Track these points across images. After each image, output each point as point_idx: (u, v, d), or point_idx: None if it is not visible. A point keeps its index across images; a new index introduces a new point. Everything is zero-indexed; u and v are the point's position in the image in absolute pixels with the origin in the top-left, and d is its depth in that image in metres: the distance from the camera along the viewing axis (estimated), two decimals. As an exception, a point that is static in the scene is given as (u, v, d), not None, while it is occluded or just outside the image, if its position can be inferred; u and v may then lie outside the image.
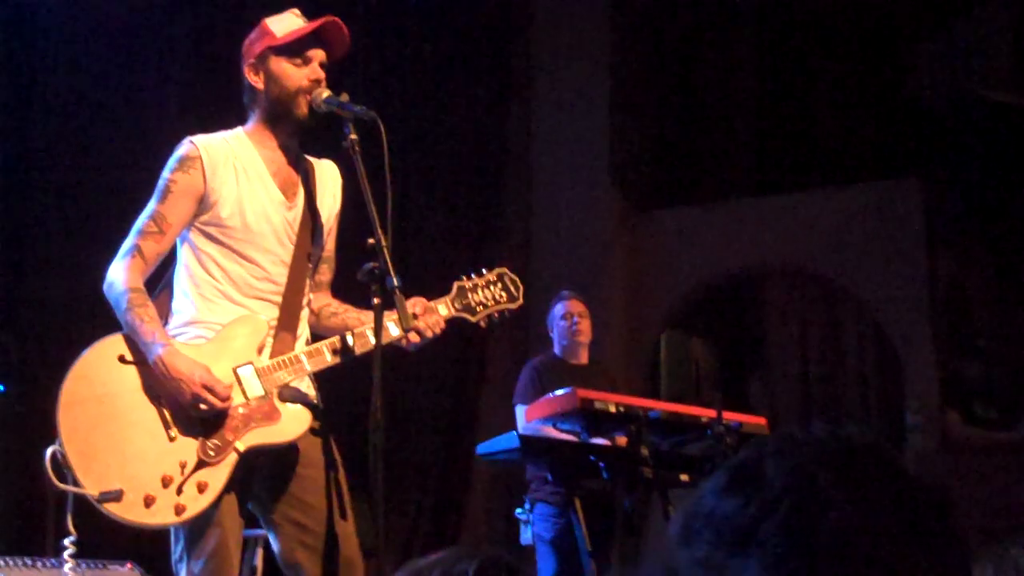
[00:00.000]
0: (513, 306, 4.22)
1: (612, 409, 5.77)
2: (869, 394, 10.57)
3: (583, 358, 7.31)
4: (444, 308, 4.04)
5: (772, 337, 11.26)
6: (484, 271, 4.20)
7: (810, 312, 11.05)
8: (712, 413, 5.80)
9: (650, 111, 11.59)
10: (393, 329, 3.83)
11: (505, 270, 4.24)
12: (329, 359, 3.87)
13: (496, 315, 4.19)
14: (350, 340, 3.88)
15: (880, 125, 10.68)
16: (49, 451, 3.62)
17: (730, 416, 5.85)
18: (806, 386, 10.85)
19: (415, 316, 3.88)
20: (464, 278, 4.14)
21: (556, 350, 7.34)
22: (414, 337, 3.91)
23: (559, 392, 5.96)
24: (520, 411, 6.84)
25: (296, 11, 4.01)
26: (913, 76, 10.39)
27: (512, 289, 4.22)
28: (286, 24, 3.95)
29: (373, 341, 3.72)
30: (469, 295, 4.12)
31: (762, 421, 6.24)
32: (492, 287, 4.18)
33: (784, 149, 11.24)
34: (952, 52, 10.19)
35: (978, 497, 8.78)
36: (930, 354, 9.86)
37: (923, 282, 9.97)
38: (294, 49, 3.91)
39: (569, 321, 7.27)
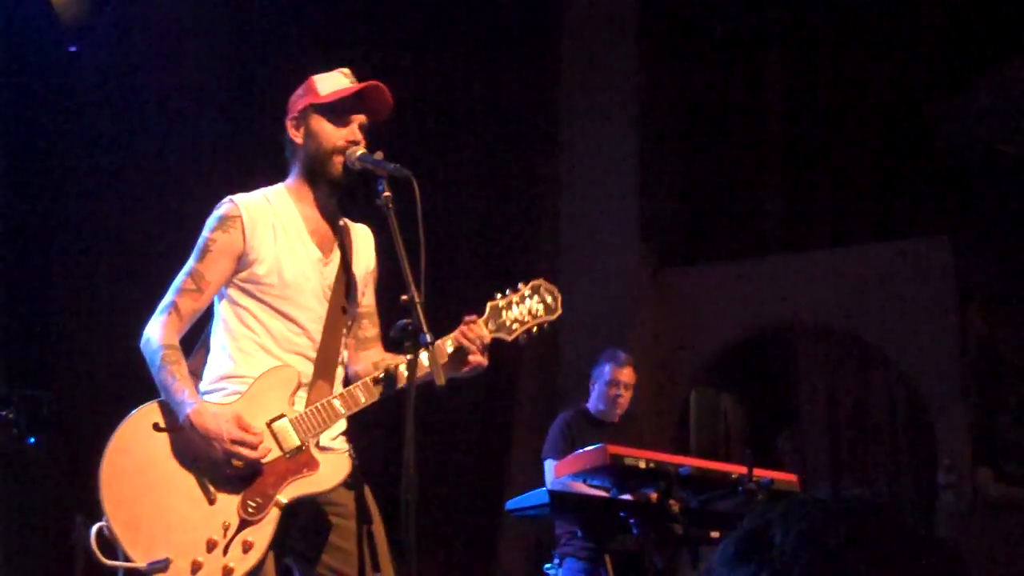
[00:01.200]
0: (552, 318, 4.14)
1: (642, 465, 5.75)
2: (900, 452, 10.50)
3: (615, 418, 7.30)
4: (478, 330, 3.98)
5: (802, 394, 11.21)
6: (520, 286, 4.11)
7: (840, 369, 11.00)
8: (742, 470, 5.77)
9: (679, 167, 11.61)
10: (427, 362, 3.78)
11: (542, 281, 4.16)
12: (363, 400, 3.87)
13: (535, 330, 4.10)
14: (382, 379, 3.87)
15: (910, 183, 10.67)
16: (95, 528, 3.64)
17: (761, 473, 5.82)
18: (836, 444, 10.78)
19: (466, 338, 3.87)
20: (498, 296, 4.06)
21: (590, 405, 7.33)
22: (474, 358, 3.90)
23: (589, 448, 5.95)
24: (549, 465, 6.84)
25: (346, 71, 4.03)
26: (943, 133, 10.38)
27: (549, 300, 4.13)
28: (332, 83, 3.98)
29: (407, 374, 3.71)
30: (503, 314, 4.03)
31: (793, 478, 6.19)
32: (529, 300, 4.09)
33: (814, 206, 11.24)
34: (981, 109, 10.19)
35: (1011, 555, 8.70)
36: (961, 412, 9.80)
37: (954, 340, 9.92)
38: (336, 109, 3.94)
39: (614, 390, 7.24)
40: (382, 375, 3.86)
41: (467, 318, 3.95)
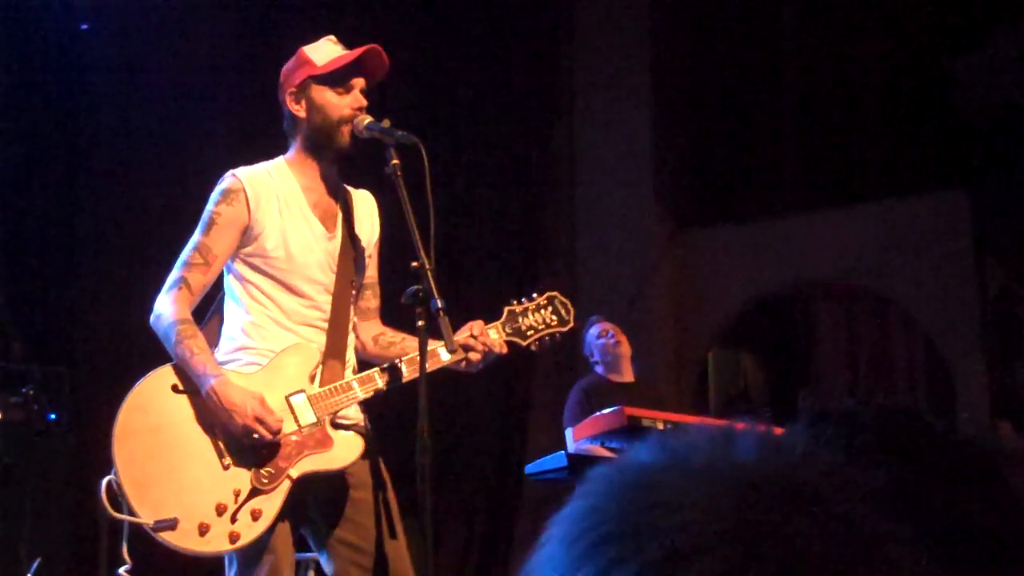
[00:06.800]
0: (564, 329, 4.21)
1: (660, 426, 5.76)
2: (920, 406, 10.49)
3: (629, 375, 7.32)
4: (494, 333, 4.04)
5: (821, 352, 11.20)
6: (535, 295, 4.19)
7: (859, 326, 10.99)
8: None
9: (693, 128, 11.57)
10: (444, 354, 3.84)
11: (556, 294, 4.23)
12: (380, 384, 3.89)
13: (547, 338, 4.17)
14: (401, 366, 3.90)
15: (926, 137, 10.61)
16: (104, 481, 3.67)
17: (780, 432, 5.82)
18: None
19: (474, 337, 3.91)
20: (514, 302, 4.14)
21: (600, 370, 7.35)
22: (474, 356, 3.93)
23: (607, 411, 5.96)
24: (569, 433, 6.85)
25: (333, 38, 4.04)
26: (959, 87, 10.32)
27: (563, 312, 4.21)
28: (325, 52, 3.98)
29: (419, 344, 3.75)
30: (519, 319, 4.12)
31: (812, 436, 6.19)
32: (543, 311, 4.17)
33: (829, 163, 11.19)
34: (997, 62, 10.12)
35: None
36: (980, 365, 9.78)
37: (972, 294, 9.90)
38: (335, 78, 3.94)
39: (607, 338, 7.30)
40: (402, 365, 3.89)
41: (474, 324, 4.00)
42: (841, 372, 10.93)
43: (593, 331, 7.41)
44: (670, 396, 8.07)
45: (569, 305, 4.24)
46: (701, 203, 11.47)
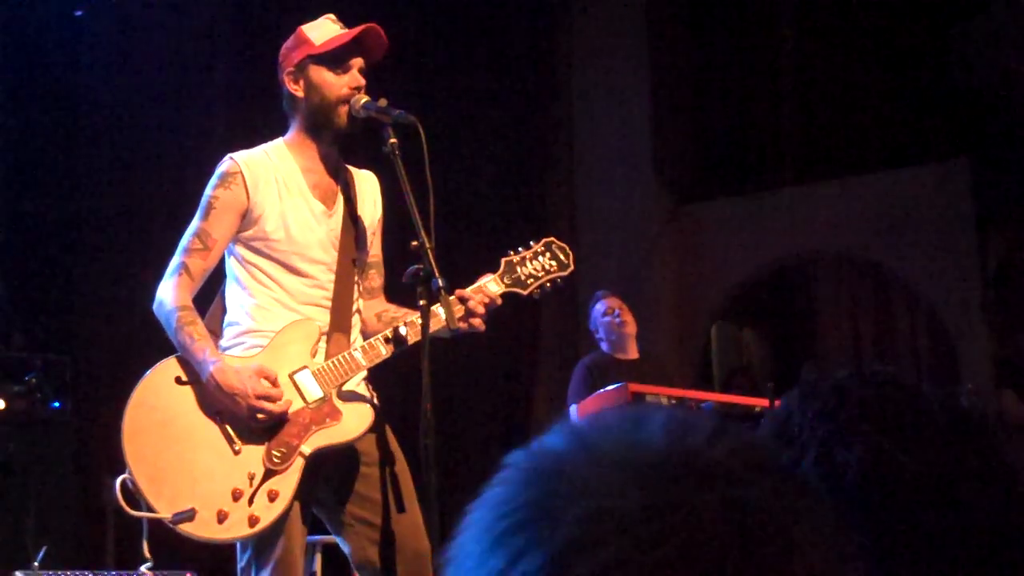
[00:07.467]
0: (564, 273, 4.17)
1: (664, 402, 5.77)
2: (923, 378, 10.48)
3: (633, 352, 7.31)
4: (494, 285, 4.01)
5: (823, 325, 11.20)
6: (531, 243, 4.15)
7: (860, 297, 10.98)
8: (765, 403, 5.78)
9: (691, 102, 11.54)
10: (444, 314, 3.81)
11: (552, 239, 4.19)
12: (384, 352, 3.88)
13: (549, 285, 4.14)
14: (403, 330, 3.88)
15: (926, 107, 10.57)
16: (119, 480, 3.67)
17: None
18: (860, 372, 10.77)
19: (466, 299, 3.88)
20: (511, 253, 4.11)
21: (605, 347, 7.36)
22: (476, 322, 3.91)
23: (610, 387, 5.97)
24: (573, 410, 6.86)
25: (332, 16, 4.03)
26: (959, 55, 10.28)
27: (561, 256, 4.17)
28: (324, 31, 3.96)
29: (421, 322, 3.73)
30: (518, 269, 4.08)
31: (816, 409, 6.19)
32: (541, 257, 4.13)
33: (829, 135, 11.16)
34: (996, 29, 10.09)
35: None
36: (983, 335, 9.78)
37: (974, 263, 9.89)
38: (334, 57, 3.92)
39: (612, 315, 7.31)
40: (401, 327, 3.87)
41: (480, 282, 3.96)
42: (843, 345, 10.93)
43: (599, 308, 7.40)
44: (673, 372, 8.06)
45: (567, 249, 4.20)
46: (701, 178, 11.45)
